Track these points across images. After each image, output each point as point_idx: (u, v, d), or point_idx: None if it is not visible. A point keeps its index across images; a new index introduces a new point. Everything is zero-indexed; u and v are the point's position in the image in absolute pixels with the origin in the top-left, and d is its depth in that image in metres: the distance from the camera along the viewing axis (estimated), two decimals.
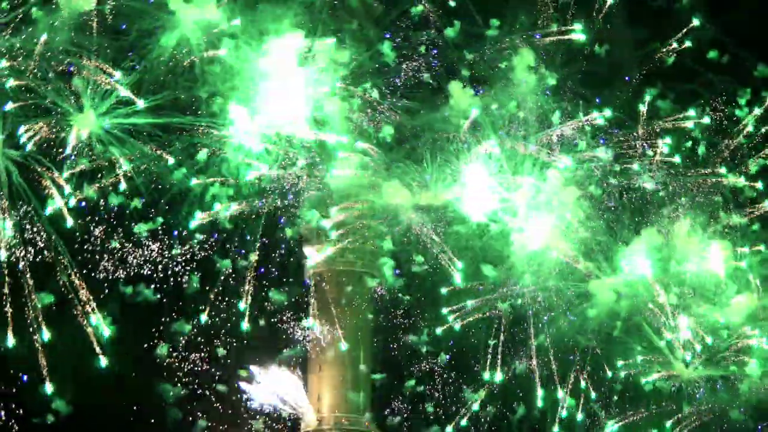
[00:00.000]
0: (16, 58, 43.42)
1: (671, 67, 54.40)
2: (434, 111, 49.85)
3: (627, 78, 54.13)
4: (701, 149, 54.02)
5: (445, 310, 51.95)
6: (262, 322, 50.77)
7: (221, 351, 51.60)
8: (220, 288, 49.80)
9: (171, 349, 50.90)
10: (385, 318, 53.87)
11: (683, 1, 54.67)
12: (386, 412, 54.39)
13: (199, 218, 48.15)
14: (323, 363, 52.53)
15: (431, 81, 50.71)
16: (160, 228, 48.80)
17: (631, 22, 54.19)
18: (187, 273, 49.84)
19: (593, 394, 53.41)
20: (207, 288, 50.02)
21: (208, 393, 51.94)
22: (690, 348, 52.14)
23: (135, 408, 52.14)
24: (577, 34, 52.13)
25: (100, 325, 45.26)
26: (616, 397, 54.40)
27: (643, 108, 52.93)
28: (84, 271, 45.95)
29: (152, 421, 51.77)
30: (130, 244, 48.54)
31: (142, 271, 49.08)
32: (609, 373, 53.48)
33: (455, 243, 50.13)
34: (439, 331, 52.46)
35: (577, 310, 51.76)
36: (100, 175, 45.87)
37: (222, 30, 45.09)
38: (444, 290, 51.42)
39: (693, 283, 52.16)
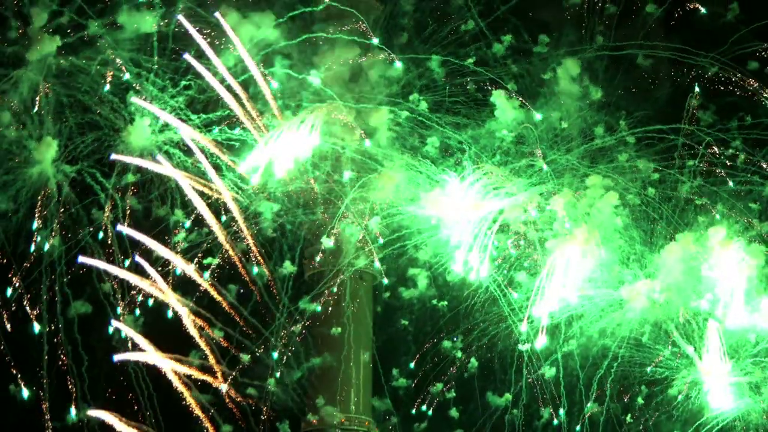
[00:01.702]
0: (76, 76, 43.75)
1: (712, 78, 54.31)
2: (480, 125, 49.92)
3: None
4: (740, 158, 54.02)
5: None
6: None
7: None
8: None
9: None
10: (418, 325, 54.15)
11: (728, 15, 54.38)
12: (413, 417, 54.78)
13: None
14: (327, 363, 52.71)
15: (477, 94, 50.73)
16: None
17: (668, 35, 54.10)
18: None
19: (618, 399, 53.88)
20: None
21: None
22: (715, 352, 52.44)
23: None
24: None
25: None
26: (641, 400, 54.79)
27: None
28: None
29: None
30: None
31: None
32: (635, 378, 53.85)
33: (496, 253, 50.45)
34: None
35: (608, 317, 52.03)
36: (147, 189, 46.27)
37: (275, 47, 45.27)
38: None
39: (724, 289, 52.30)
